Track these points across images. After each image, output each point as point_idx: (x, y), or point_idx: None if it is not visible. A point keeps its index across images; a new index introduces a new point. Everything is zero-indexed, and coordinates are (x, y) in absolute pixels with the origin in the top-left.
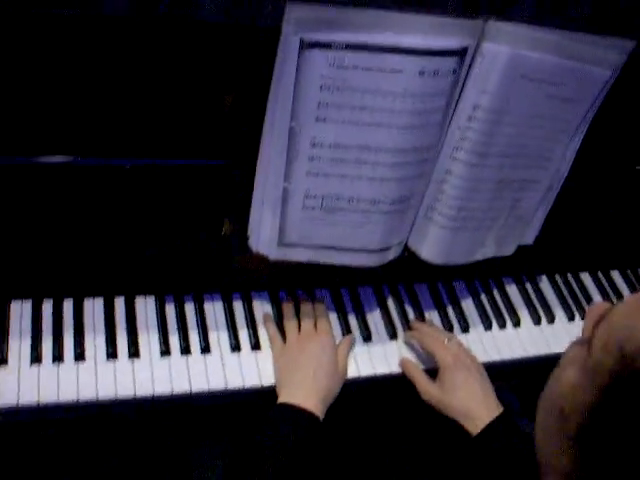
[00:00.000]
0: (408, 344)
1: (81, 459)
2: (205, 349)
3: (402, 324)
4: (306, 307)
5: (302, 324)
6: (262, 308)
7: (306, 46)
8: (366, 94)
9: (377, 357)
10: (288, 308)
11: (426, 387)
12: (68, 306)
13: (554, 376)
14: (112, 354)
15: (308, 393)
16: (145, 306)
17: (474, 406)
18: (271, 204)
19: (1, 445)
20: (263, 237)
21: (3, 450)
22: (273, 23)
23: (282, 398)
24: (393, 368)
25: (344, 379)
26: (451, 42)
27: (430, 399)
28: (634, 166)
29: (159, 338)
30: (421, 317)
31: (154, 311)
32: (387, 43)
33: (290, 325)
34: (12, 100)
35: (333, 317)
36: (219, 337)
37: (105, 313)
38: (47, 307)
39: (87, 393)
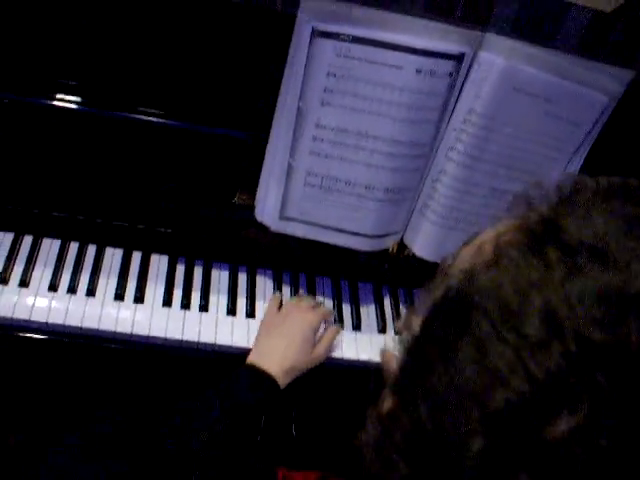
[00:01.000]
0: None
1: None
2: (203, 307)
3: (394, 323)
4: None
5: (304, 299)
6: (264, 284)
7: (317, 34)
8: (368, 84)
9: (362, 345)
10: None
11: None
12: (91, 251)
13: None
14: (119, 296)
15: (273, 360)
16: (158, 263)
17: None
18: (276, 178)
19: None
20: (267, 208)
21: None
22: (290, 10)
23: (250, 357)
24: (374, 357)
25: (317, 361)
26: (449, 47)
27: None
28: None
29: (164, 290)
30: None
31: (165, 268)
32: (390, 40)
33: (293, 298)
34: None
35: (329, 303)
36: (219, 300)
37: (122, 262)
38: (73, 248)
39: (90, 324)
